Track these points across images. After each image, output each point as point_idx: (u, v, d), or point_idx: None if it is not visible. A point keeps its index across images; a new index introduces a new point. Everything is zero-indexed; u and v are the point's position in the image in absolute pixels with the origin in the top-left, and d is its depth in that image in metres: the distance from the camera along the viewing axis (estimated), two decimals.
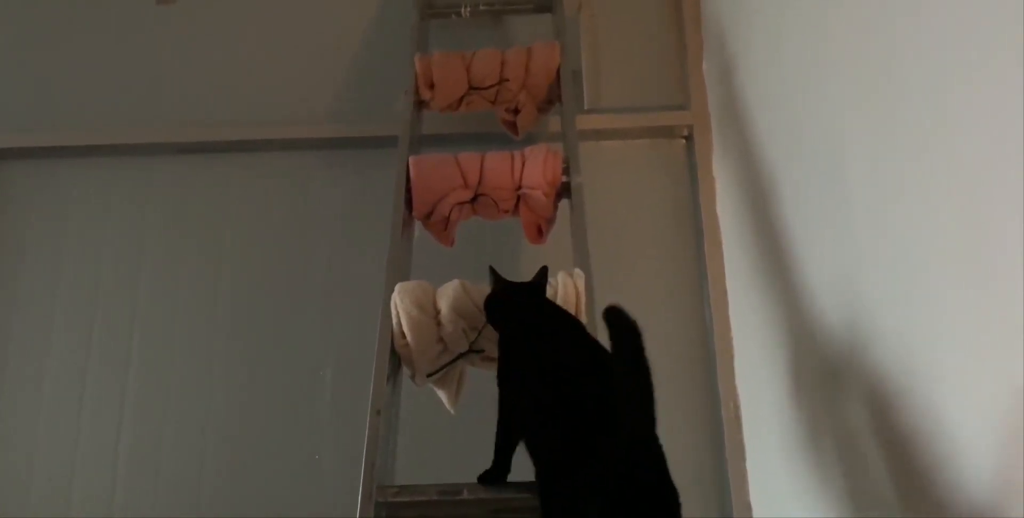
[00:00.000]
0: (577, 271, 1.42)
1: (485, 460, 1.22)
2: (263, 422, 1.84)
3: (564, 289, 1.39)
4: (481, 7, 2.06)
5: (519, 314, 1.28)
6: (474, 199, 1.62)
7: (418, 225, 1.68)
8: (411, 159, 1.63)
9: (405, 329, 1.36)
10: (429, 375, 1.39)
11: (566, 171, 1.61)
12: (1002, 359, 0.85)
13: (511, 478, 1.21)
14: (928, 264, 0.99)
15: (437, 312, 1.36)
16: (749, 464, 1.72)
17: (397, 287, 1.40)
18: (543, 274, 1.34)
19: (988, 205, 0.86)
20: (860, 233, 1.20)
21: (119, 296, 1.95)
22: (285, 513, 1.77)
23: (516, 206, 1.64)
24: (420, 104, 1.84)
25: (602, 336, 1.33)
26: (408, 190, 1.60)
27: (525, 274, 1.38)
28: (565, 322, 1.26)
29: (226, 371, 1.89)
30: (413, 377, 1.40)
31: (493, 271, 1.37)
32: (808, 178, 1.40)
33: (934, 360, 0.98)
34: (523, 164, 1.62)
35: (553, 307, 1.31)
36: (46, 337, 1.93)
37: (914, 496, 1.03)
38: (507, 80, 1.83)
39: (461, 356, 1.39)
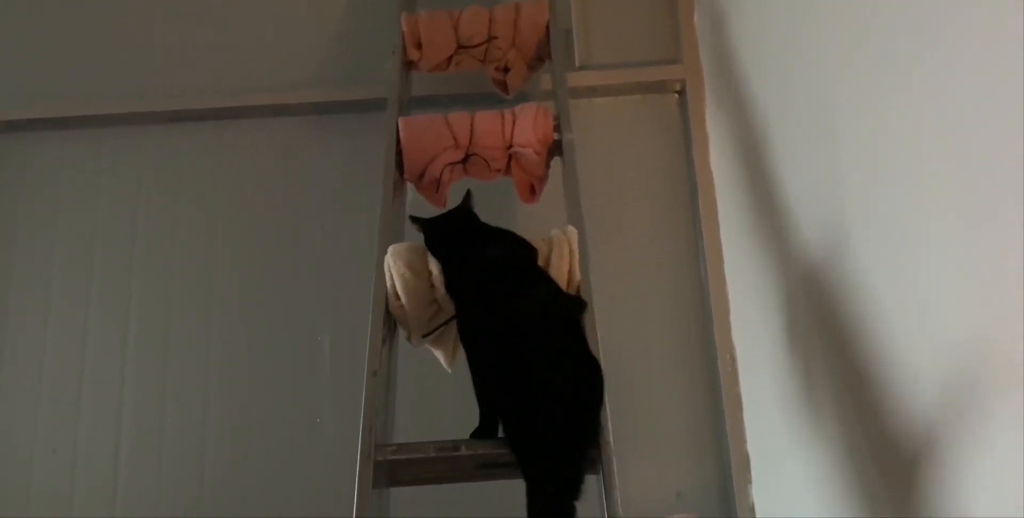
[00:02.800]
0: (570, 228, 1.42)
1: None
2: (263, 388, 1.86)
3: (558, 247, 1.39)
4: None
5: (453, 239, 1.39)
6: (465, 159, 1.62)
7: (410, 187, 1.67)
8: (401, 121, 1.62)
9: (399, 291, 1.36)
10: (425, 335, 1.40)
11: (557, 128, 1.60)
12: (991, 303, 0.85)
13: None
14: (918, 211, 0.99)
15: (430, 273, 1.37)
16: (746, 415, 1.74)
17: (390, 249, 1.40)
18: (467, 197, 1.45)
19: (978, 148, 0.86)
20: (851, 185, 1.19)
21: (114, 266, 1.95)
22: (289, 477, 1.79)
23: (508, 165, 1.63)
24: (408, 65, 1.83)
25: (597, 300, 1.35)
26: (398, 152, 1.59)
27: (520, 233, 1.39)
28: (494, 235, 1.39)
29: (224, 338, 1.90)
30: (409, 338, 1.41)
31: (414, 219, 1.44)
32: (800, 130, 1.40)
33: (925, 305, 0.99)
34: (513, 122, 1.61)
35: (481, 225, 1.42)
36: (44, 306, 1.93)
37: (906, 440, 1.05)
38: (496, 38, 1.80)
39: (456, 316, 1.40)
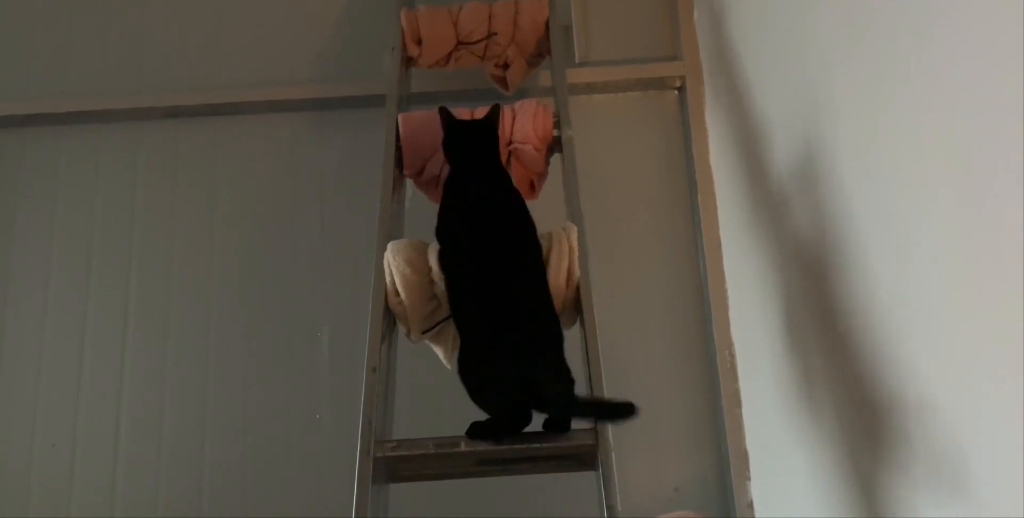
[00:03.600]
0: (569, 224, 1.42)
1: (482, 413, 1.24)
2: (262, 383, 1.86)
3: (557, 243, 1.38)
4: None
5: (467, 149, 1.47)
6: None
7: (410, 184, 1.67)
8: (400, 117, 1.61)
9: (399, 287, 1.36)
10: (424, 332, 1.40)
11: (556, 125, 1.60)
12: (990, 299, 0.85)
13: None
14: (916, 206, 0.99)
15: (429, 270, 1.37)
16: (745, 412, 1.74)
17: (389, 245, 1.40)
18: (495, 110, 1.50)
19: (977, 145, 0.86)
20: (849, 180, 1.19)
21: (113, 261, 1.95)
22: (288, 472, 1.80)
23: (508, 162, 1.63)
24: (408, 61, 1.82)
25: (597, 297, 1.35)
26: (398, 148, 1.59)
27: None
28: (498, 169, 1.46)
29: (223, 334, 1.90)
30: (408, 334, 1.41)
31: (443, 110, 1.50)
32: (799, 126, 1.40)
33: (924, 299, 0.99)
34: (513, 119, 1.60)
35: (492, 150, 1.48)
36: (42, 301, 1.93)
37: (905, 435, 1.05)
38: (495, 34, 1.80)
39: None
